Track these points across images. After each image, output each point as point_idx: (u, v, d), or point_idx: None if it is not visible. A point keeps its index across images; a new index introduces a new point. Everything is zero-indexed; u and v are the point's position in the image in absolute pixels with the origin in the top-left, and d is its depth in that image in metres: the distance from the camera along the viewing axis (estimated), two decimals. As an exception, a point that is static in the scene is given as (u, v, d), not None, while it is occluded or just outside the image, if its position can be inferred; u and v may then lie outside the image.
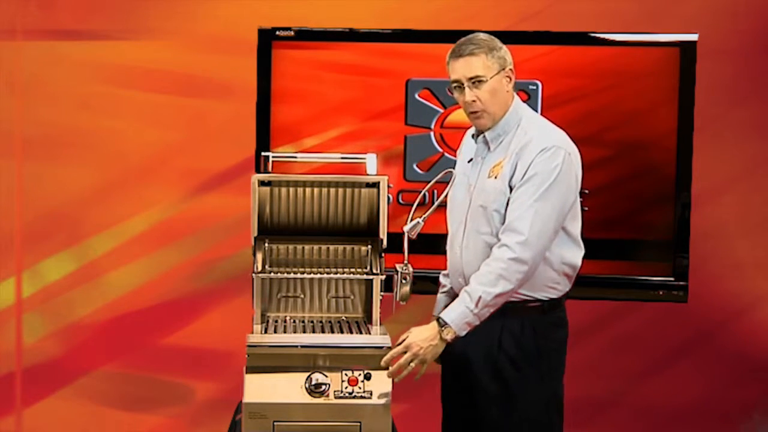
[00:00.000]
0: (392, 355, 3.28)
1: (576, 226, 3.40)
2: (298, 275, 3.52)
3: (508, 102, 3.41)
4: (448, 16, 4.65)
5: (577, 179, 3.37)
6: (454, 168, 3.57)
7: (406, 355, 3.26)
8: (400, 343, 3.28)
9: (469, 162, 3.48)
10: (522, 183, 3.28)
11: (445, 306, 3.60)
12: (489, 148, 3.42)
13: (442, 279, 3.68)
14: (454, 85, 3.39)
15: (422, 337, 3.26)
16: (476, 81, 3.34)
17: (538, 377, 3.39)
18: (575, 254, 3.40)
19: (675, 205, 4.41)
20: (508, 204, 3.31)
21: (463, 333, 3.26)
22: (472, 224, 3.39)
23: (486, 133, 3.42)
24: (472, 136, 3.51)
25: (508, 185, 3.31)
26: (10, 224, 4.86)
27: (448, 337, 3.25)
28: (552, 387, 3.43)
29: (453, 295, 3.59)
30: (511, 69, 3.39)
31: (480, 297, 3.23)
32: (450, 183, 3.49)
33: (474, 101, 3.35)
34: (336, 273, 3.54)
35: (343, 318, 3.59)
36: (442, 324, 3.25)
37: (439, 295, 3.67)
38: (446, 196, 3.51)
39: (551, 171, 3.28)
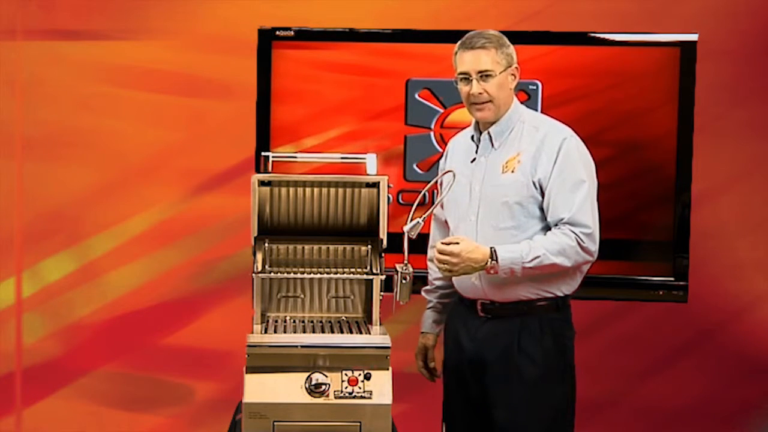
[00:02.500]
0: (441, 248, 3.30)
1: None
2: (298, 275, 3.52)
3: (511, 99, 3.45)
4: (448, 16, 4.65)
5: None
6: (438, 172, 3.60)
7: (447, 258, 3.28)
8: (449, 248, 3.30)
9: (472, 162, 3.49)
10: (558, 173, 3.33)
11: (434, 321, 3.62)
12: (493, 145, 3.44)
13: (425, 294, 3.68)
14: (462, 76, 3.41)
15: (471, 257, 3.28)
16: (485, 75, 3.37)
17: (558, 376, 3.41)
18: None
19: (675, 205, 4.41)
20: (536, 196, 3.35)
21: (502, 275, 3.29)
22: (487, 221, 3.40)
23: (490, 130, 3.44)
24: (471, 137, 3.52)
25: (531, 179, 3.35)
26: (10, 224, 4.86)
27: (492, 271, 3.29)
28: (570, 385, 3.47)
29: (440, 311, 3.61)
30: (516, 67, 3.44)
31: (538, 257, 3.27)
32: (450, 183, 3.48)
33: (481, 93, 3.38)
34: (336, 273, 3.54)
35: (343, 318, 3.59)
36: (493, 257, 3.28)
37: (427, 311, 3.68)
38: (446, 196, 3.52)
39: (583, 159, 3.37)
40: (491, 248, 3.29)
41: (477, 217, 3.43)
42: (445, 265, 3.30)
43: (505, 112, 3.43)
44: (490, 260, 3.28)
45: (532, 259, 3.27)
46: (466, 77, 3.39)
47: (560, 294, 3.41)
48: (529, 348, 3.38)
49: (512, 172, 3.38)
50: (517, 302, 3.39)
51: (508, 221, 3.37)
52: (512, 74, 3.42)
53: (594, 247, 3.32)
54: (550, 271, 3.32)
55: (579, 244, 3.28)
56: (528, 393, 3.38)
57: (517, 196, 3.36)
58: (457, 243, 3.29)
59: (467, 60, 3.39)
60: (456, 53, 3.42)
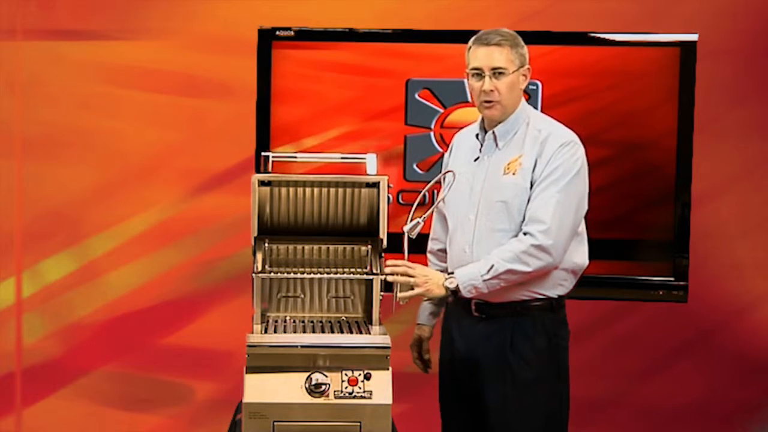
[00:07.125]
0: (402, 262, 3.33)
1: (583, 225, 3.45)
2: (298, 275, 3.52)
3: (520, 99, 3.45)
4: (448, 16, 4.65)
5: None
6: (441, 169, 3.59)
7: (409, 269, 3.31)
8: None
9: (475, 161, 3.48)
10: (544, 177, 3.32)
11: (430, 313, 3.63)
12: (497, 145, 3.44)
13: None
14: (474, 71, 3.40)
15: (433, 273, 3.33)
16: (498, 72, 3.36)
17: (552, 376, 3.41)
18: (582, 253, 3.44)
19: (675, 205, 4.41)
20: (529, 199, 3.34)
21: (466, 293, 3.30)
22: (485, 221, 3.40)
23: (495, 129, 3.43)
24: (476, 135, 3.51)
25: (529, 181, 3.35)
26: (10, 224, 4.86)
27: (450, 285, 3.30)
28: (564, 385, 3.46)
29: (437, 303, 3.62)
30: (528, 68, 3.43)
31: (493, 266, 3.27)
32: (450, 183, 3.48)
33: (492, 91, 3.37)
34: (336, 273, 3.54)
35: (343, 318, 3.59)
36: (450, 274, 3.32)
37: (424, 303, 3.69)
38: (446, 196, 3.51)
39: (573, 164, 3.34)
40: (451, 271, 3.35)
41: (476, 216, 3.43)
42: (409, 276, 3.30)
43: (513, 113, 3.43)
44: (447, 277, 3.31)
45: (488, 270, 3.27)
46: (479, 73, 3.39)
47: (553, 296, 3.40)
48: (521, 348, 3.38)
49: (513, 174, 3.37)
50: (510, 303, 3.38)
51: (504, 223, 3.37)
52: (524, 75, 3.42)
53: (549, 242, 3.27)
54: (515, 279, 3.29)
55: (531, 245, 3.26)
56: (520, 393, 3.37)
57: (516, 198, 3.35)
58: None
59: (481, 56, 3.38)
60: (470, 48, 3.41)
